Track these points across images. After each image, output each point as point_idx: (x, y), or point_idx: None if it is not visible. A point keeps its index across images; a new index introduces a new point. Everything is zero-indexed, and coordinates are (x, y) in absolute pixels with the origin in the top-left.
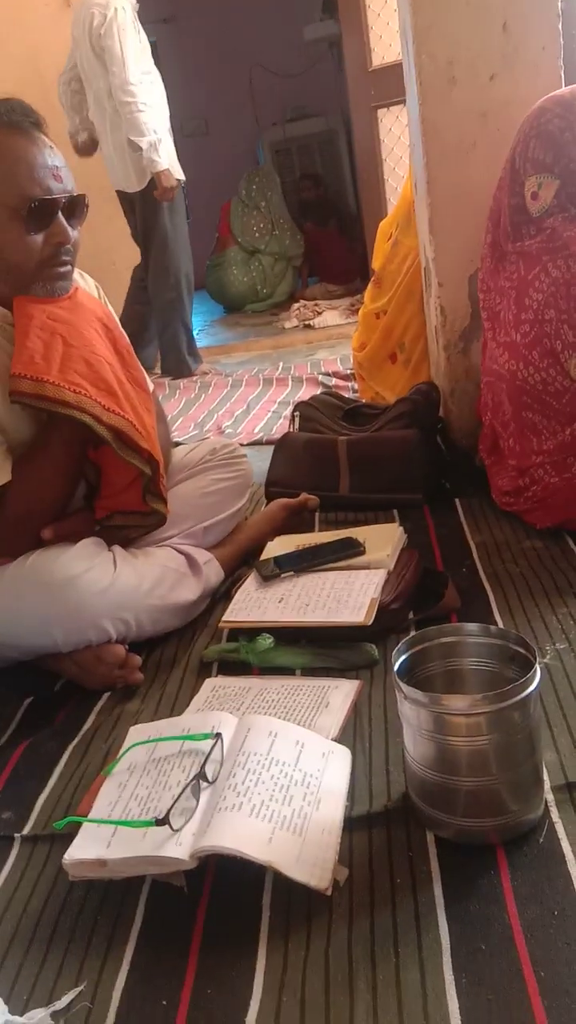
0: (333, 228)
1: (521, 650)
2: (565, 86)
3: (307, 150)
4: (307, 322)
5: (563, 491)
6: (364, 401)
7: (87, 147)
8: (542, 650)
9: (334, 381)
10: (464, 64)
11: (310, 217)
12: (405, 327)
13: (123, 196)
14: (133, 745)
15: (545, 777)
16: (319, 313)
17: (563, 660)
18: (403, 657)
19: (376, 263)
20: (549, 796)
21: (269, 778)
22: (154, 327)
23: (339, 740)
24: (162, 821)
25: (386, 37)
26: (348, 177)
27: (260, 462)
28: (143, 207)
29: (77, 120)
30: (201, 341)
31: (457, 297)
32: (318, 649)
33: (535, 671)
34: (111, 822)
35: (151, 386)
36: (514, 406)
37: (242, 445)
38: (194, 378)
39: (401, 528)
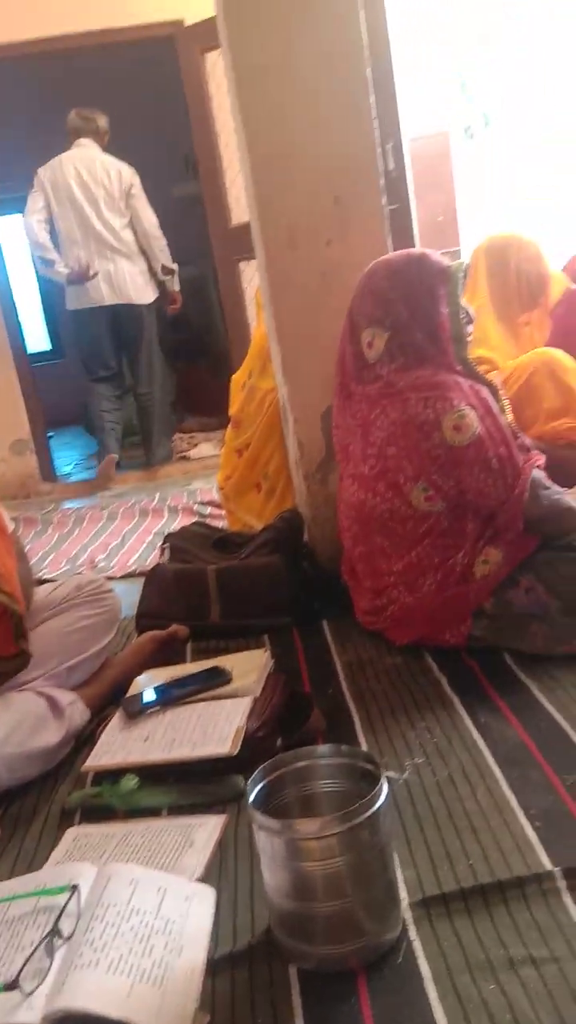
0: (204, 366)
1: (370, 767)
2: (392, 251)
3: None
4: (183, 454)
5: (418, 609)
6: (232, 530)
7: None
8: (401, 766)
9: (209, 510)
10: (303, 230)
11: (182, 356)
12: (269, 459)
13: (111, 311)
14: None
15: (403, 894)
16: (195, 445)
17: (421, 775)
18: (258, 786)
19: (233, 409)
20: (407, 914)
21: (128, 929)
22: (155, 424)
23: (204, 879)
24: (11, 985)
25: (242, 200)
26: (218, 319)
27: (135, 595)
28: (147, 317)
29: (74, 251)
30: (79, 475)
31: (312, 432)
32: (185, 785)
33: (380, 788)
34: None
35: (11, 525)
36: (365, 532)
37: (116, 578)
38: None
39: (268, 653)
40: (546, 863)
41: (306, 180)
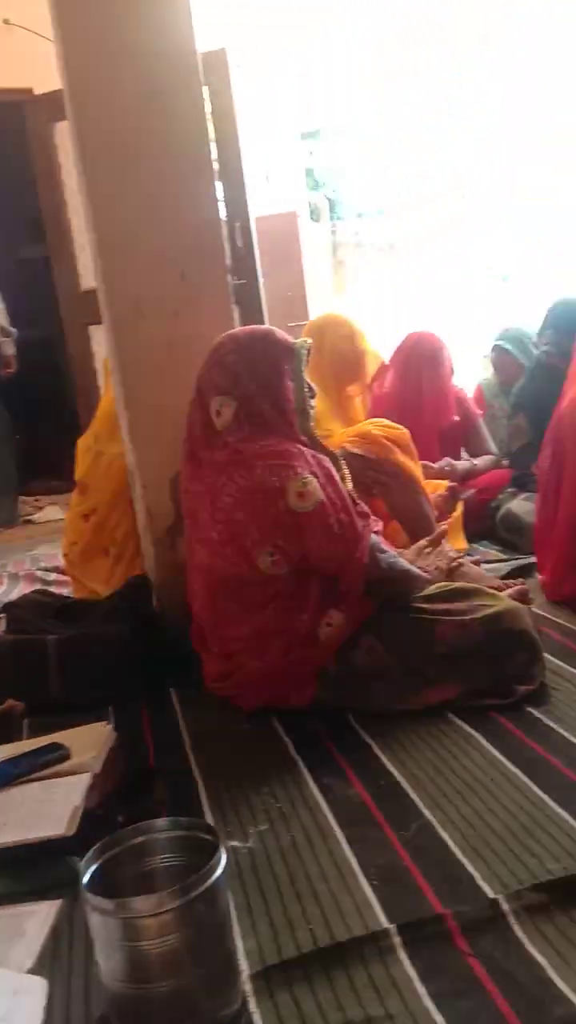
0: (51, 428)
1: (209, 838)
2: (239, 324)
3: (25, 356)
4: (28, 517)
5: (264, 673)
6: (77, 598)
7: None
8: (245, 834)
9: (54, 576)
10: (150, 301)
11: (29, 418)
12: (116, 524)
13: None
14: None
15: (244, 966)
16: (40, 508)
17: (264, 841)
18: (93, 866)
19: (79, 473)
20: (247, 985)
21: None
22: None
23: (36, 971)
24: None
25: (91, 266)
26: (66, 382)
27: None
28: None
29: None
30: None
31: (160, 498)
32: (16, 871)
33: (217, 860)
34: None
35: None
36: (213, 597)
37: None
38: None
39: (110, 726)
40: (383, 921)
41: (152, 255)
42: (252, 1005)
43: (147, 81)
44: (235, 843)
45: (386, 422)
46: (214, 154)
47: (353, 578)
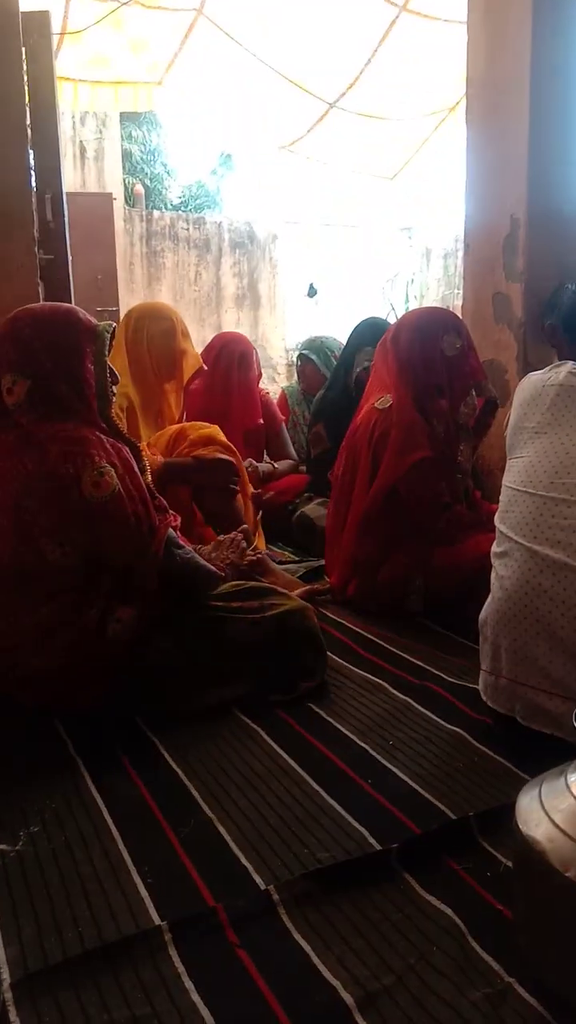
0: None
1: None
2: (44, 300)
3: None
4: None
5: (47, 671)
6: None
7: None
8: (15, 836)
9: None
10: None
11: None
12: None
13: None
14: None
15: (4, 975)
16: None
17: (35, 844)
18: None
19: None
20: (7, 995)
21: None
22: None
23: None
24: None
25: None
26: None
27: None
28: None
29: None
30: None
31: None
32: None
33: None
34: None
35: None
36: None
37: None
38: None
39: None
40: (155, 918)
41: None
42: (12, 1015)
43: None
44: (3, 847)
45: (200, 424)
46: (28, 119)
47: (147, 573)
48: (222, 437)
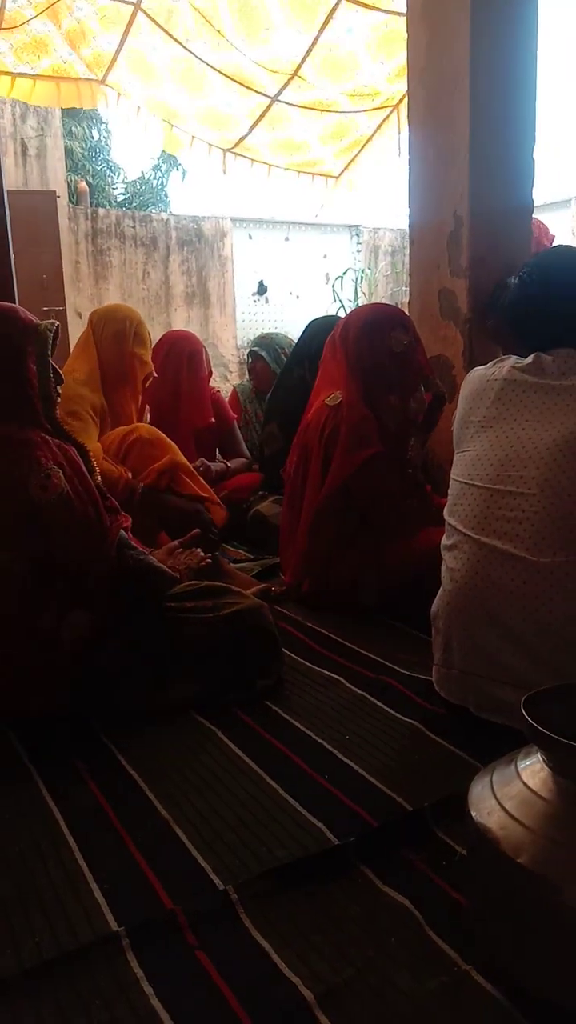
0: None
1: None
2: None
3: None
4: None
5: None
6: None
7: None
8: None
9: None
10: None
11: None
12: None
13: None
14: None
15: None
16: None
17: None
18: None
19: None
20: None
21: None
22: None
23: None
24: None
25: None
26: None
27: None
28: None
29: None
30: None
31: None
32: None
33: None
34: None
35: None
36: None
37: None
38: None
39: None
40: (112, 925)
41: None
42: None
43: None
44: None
45: (143, 426)
46: None
47: (99, 575)
48: (167, 442)
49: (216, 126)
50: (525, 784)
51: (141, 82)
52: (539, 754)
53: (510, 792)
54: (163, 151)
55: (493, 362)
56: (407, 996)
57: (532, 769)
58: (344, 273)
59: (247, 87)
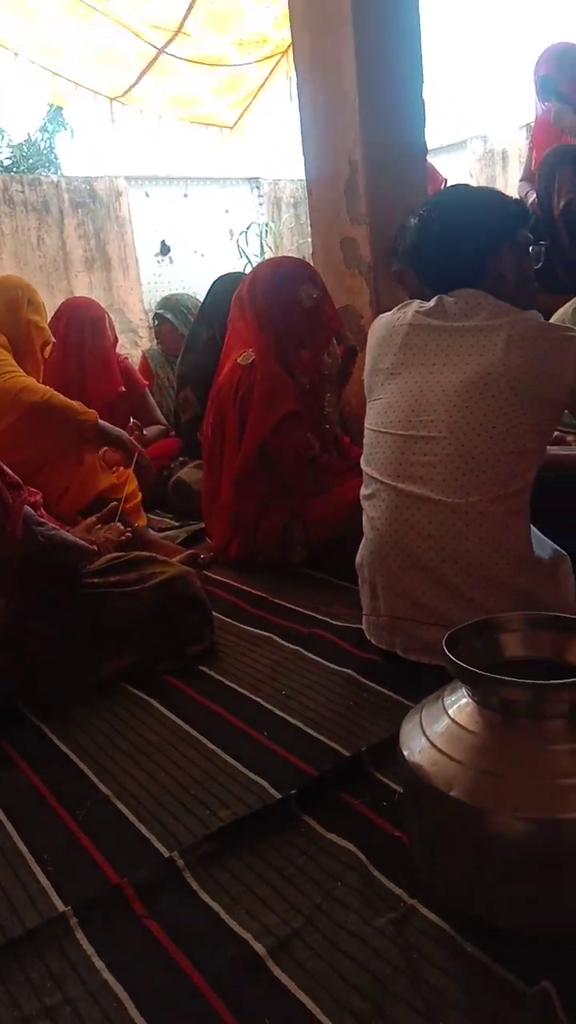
0: None
1: None
2: None
3: None
4: None
5: None
6: None
7: None
8: None
9: None
10: None
11: None
12: None
13: None
14: None
15: None
16: None
17: None
18: None
19: None
20: None
21: None
22: None
23: None
24: None
25: None
26: None
27: None
28: None
29: None
30: None
31: None
32: None
33: None
34: None
35: None
36: None
37: None
38: None
39: None
40: (59, 905)
41: None
42: None
43: None
44: None
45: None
46: None
47: (6, 555)
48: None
49: (104, 63)
50: (452, 719)
51: (21, 26)
52: (464, 689)
53: (439, 728)
54: (49, 109)
55: (397, 308)
56: (356, 937)
57: (458, 704)
58: (248, 228)
59: (135, 33)
